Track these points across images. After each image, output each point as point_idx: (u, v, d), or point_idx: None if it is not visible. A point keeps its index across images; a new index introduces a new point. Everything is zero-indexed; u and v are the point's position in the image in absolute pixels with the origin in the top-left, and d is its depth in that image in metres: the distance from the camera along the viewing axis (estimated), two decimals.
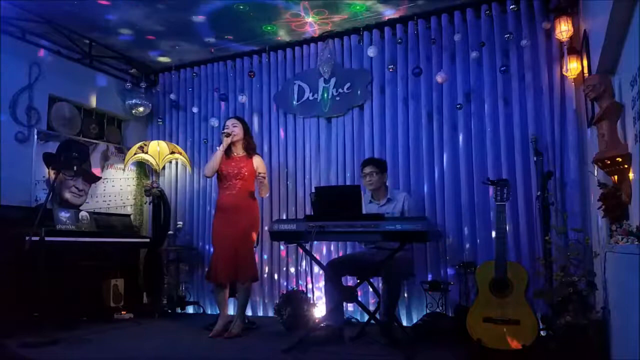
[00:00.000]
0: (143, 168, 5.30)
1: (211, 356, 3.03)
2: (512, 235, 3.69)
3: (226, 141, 3.73)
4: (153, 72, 5.44)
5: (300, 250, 4.16)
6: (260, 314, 4.63)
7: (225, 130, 3.79)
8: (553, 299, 2.76)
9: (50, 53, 4.50)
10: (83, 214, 4.28)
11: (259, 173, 3.68)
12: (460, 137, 4.01)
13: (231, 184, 3.71)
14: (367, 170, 3.68)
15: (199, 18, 4.27)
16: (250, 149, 3.82)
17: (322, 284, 3.72)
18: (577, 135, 3.62)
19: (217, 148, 3.82)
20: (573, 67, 3.56)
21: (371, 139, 4.36)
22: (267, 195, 4.12)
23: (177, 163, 5.23)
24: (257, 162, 3.79)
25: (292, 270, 4.56)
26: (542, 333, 2.76)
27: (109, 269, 4.41)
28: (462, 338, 2.82)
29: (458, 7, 4.07)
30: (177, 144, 5.16)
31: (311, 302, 3.82)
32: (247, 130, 3.87)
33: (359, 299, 3.40)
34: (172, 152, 4.90)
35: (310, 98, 4.65)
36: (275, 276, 4.63)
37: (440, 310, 3.65)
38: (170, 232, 4.84)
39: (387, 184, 3.79)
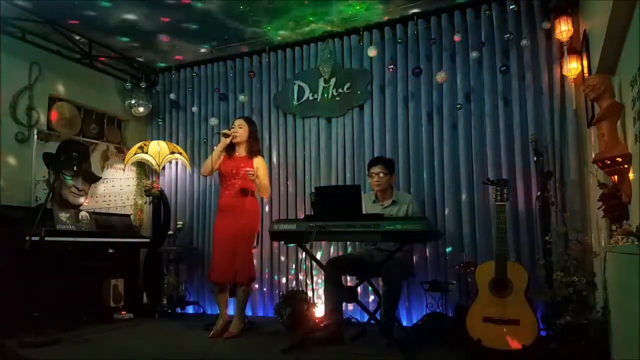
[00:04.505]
0: (143, 168, 5.31)
1: (211, 356, 3.02)
2: (512, 235, 3.69)
3: (223, 141, 3.72)
4: (153, 72, 5.44)
5: (301, 251, 4.16)
6: (260, 314, 4.63)
7: (224, 131, 3.78)
8: (553, 299, 2.76)
9: (50, 53, 4.50)
10: (83, 214, 4.28)
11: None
12: (460, 137, 4.02)
13: (230, 183, 3.70)
14: (376, 170, 3.61)
15: (199, 18, 4.27)
16: (253, 151, 3.76)
17: (322, 283, 3.72)
18: (577, 135, 3.62)
19: (214, 147, 3.81)
20: (573, 67, 3.56)
21: (371, 139, 4.36)
22: (269, 195, 4.07)
23: (177, 163, 5.23)
24: (258, 163, 3.72)
25: (292, 270, 4.56)
26: (542, 333, 2.75)
27: (109, 269, 4.41)
28: (462, 338, 2.82)
29: (458, 7, 4.07)
30: (177, 144, 5.16)
31: (311, 302, 3.81)
32: (252, 133, 3.80)
33: (359, 299, 3.40)
34: (172, 152, 4.90)
35: (310, 98, 4.64)
36: (275, 276, 4.63)
37: (440, 310, 3.65)
38: (170, 232, 4.84)
39: (392, 185, 3.75)
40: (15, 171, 4.15)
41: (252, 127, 3.82)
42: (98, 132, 5.06)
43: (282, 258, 4.62)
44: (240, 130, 3.74)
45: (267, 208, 4.68)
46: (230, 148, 3.76)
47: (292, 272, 4.56)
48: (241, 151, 3.77)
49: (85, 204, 4.66)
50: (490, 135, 3.92)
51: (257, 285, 4.60)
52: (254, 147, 3.78)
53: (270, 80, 4.89)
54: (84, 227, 4.19)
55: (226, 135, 3.72)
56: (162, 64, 5.33)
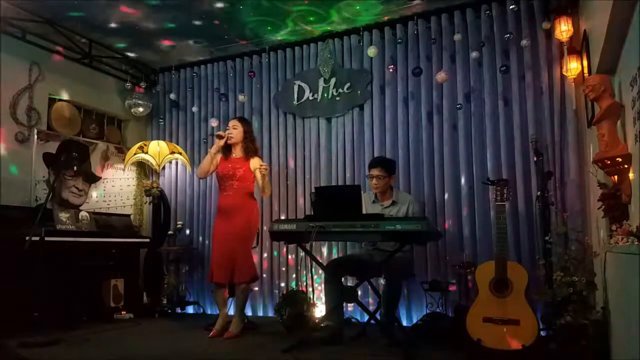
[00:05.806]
0: (143, 168, 5.30)
1: (211, 356, 3.02)
2: (512, 235, 3.69)
3: (217, 143, 3.70)
4: (153, 72, 5.44)
5: (301, 250, 4.16)
6: (260, 314, 4.63)
7: (218, 132, 3.77)
8: (553, 299, 2.76)
9: (50, 53, 4.50)
10: (83, 214, 4.28)
11: (261, 164, 3.59)
12: (460, 137, 4.01)
13: (227, 185, 3.68)
14: (375, 172, 3.59)
15: (199, 18, 4.27)
16: (249, 152, 3.73)
17: (320, 277, 3.71)
18: (577, 135, 3.62)
19: (209, 150, 3.81)
20: (573, 67, 3.57)
21: (371, 139, 4.36)
22: (269, 194, 4.05)
23: (177, 163, 5.23)
24: (255, 163, 3.69)
25: (292, 270, 4.56)
26: (542, 333, 2.75)
27: (109, 269, 4.40)
28: (462, 338, 2.82)
29: (458, 7, 4.07)
30: (177, 144, 5.16)
31: (311, 302, 3.81)
32: (247, 133, 3.77)
33: (359, 299, 3.40)
34: (172, 152, 4.90)
35: (310, 98, 4.64)
36: (275, 276, 4.63)
37: (440, 310, 3.65)
38: (170, 232, 4.84)
39: (392, 185, 3.73)
40: (15, 171, 4.15)
41: (246, 127, 3.79)
42: (98, 132, 5.06)
43: (282, 258, 4.62)
44: (234, 132, 3.72)
45: (267, 208, 4.68)
46: (227, 149, 3.75)
47: (292, 272, 4.55)
48: (237, 152, 3.75)
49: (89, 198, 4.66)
50: (490, 135, 3.92)
51: (256, 288, 4.59)
52: (250, 148, 3.75)
53: (270, 80, 4.88)
54: (84, 227, 4.19)
55: (220, 137, 3.71)
56: (162, 64, 5.32)
